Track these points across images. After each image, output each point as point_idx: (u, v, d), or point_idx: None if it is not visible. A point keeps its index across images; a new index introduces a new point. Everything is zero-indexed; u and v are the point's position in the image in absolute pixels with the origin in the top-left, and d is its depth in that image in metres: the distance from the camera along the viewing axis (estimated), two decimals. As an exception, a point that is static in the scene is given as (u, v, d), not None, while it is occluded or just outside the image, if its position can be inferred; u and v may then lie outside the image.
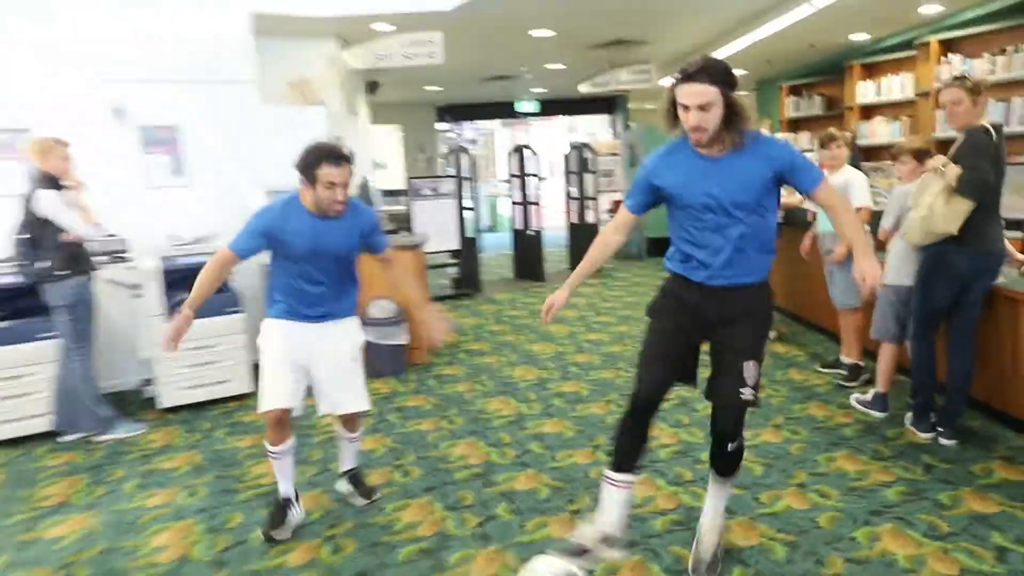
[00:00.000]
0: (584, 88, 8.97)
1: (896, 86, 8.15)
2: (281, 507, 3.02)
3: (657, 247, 10.40)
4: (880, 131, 8.42)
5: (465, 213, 8.24)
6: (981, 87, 3.32)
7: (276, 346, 2.93)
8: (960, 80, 3.34)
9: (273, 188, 4.42)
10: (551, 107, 13.48)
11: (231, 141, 5.27)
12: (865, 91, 8.67)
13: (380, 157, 11.65)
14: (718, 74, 2.23)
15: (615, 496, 2.44)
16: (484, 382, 4.94)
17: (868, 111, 8.71)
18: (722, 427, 2.43)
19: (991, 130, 3.27)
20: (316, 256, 2.85)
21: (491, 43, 7.73)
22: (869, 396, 3.98)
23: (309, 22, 5.71)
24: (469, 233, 8.34)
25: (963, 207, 3.22)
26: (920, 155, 3.74)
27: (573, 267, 9.98)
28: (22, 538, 3.07)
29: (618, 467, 2.44)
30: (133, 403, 4.71)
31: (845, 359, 4.57)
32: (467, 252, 8.37)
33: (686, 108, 2.24)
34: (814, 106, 10.00)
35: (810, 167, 2.36)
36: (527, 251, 9.31)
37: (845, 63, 8.91)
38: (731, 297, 2.40)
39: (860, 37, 8.18)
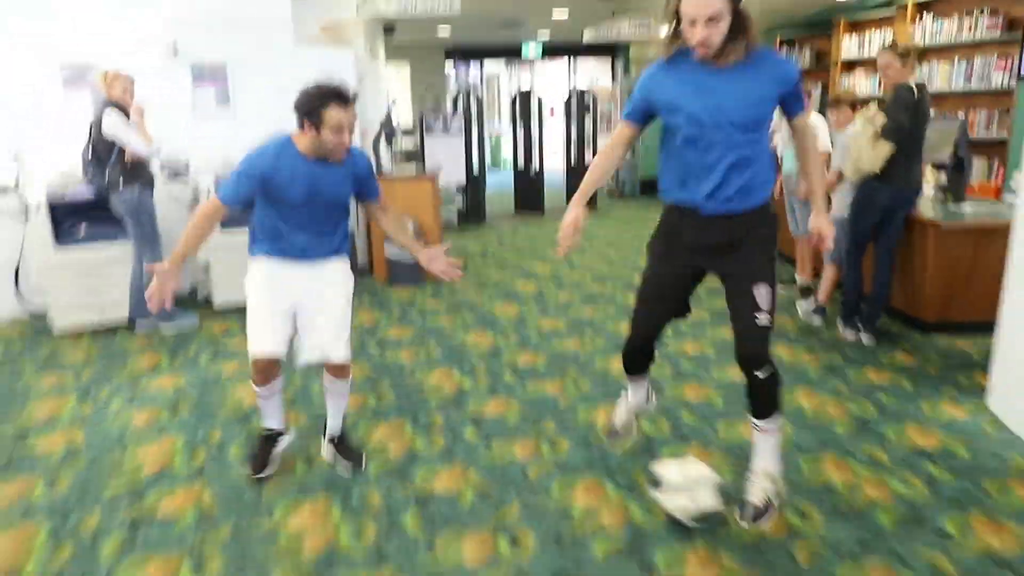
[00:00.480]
0: (588, 36, 9.56)
1: (877, 43, 8.77)
2: (266, 442, 2.97)
3: (651, 188, 11.16)
4: (861, 84, 9.06)
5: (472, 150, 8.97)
6: (910, 51, 4.04)
7: (262, 289, 2.78)
8: (891, 47, 4.06)
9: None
10: (555, 51, 14.00)
11: (271, 77, 5.93)
12: (849, 46, 9.29)
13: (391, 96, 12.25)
14: None
15: (635, 384, 2.82)
16: (491, 291, 5.76)
17: (851, 65, 9.34)
18: (745, 352, 2.34)
19: (914, 88, 4.00)
20: (310, 204, 2.68)
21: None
22: (812, 306, 4.80)
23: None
24: (475, 169, 9.07)
25: (884, 150, 3.97)
26: (854, 105, 4.47)
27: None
28: (132, 388, 3.91)
29: (630, 373, 2.79)
30: (187, 302, 5.51)
31: (799, 278, 5.38)
32: (473, 186, 9.11)
33: (692, 22, 2.12)
34: (804, 59, 10.60)
35: (801, 93, 2.35)
36: (528, 187, 10.05)
37: (833, 19, 9.51)
38: (729, 225, 2.33)
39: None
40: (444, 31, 11.62)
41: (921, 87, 4.02)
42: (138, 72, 4.85)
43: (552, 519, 2.60)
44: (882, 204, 4.10)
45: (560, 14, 10.08)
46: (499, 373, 4.02)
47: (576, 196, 2.50)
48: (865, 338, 4.31)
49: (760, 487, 2.40)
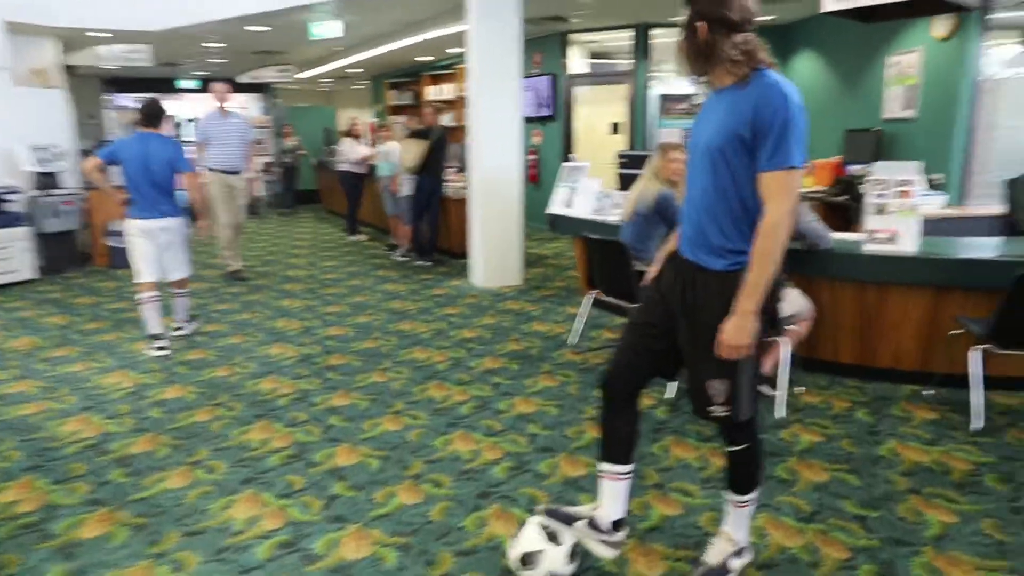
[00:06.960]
0: (243, 79, 12.29)
1: (447, 91, 12.99)
2: (157, 338, 4.88)
3: (305, 198, 14.14)
4: (442, 119, 13.19)
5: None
6: (435, 106, 7.79)
7: (139, 239, 4.71)
8: (427, 104, 7.78)
9: (32, 142, 7.47)
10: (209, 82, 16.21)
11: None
12: (431, 92, 13.41)
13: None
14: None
15: (602, 486, 2.31)
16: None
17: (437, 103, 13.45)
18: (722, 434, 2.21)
19: (442, 129, 7.74)
20: (145, 169, 4.62)
21: (176, 48, 10.68)
22: (400, 253, 8.39)
23: (45, 29, 8.33)
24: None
25: (421, 152, 7.61)
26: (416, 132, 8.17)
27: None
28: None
29: (600, 456, 2.30)
30: None
31: (395, 242, 8.92)
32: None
33: None
34: (406, 98, 14.58)
35: (778, 149, 1.86)
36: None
37: (421, 73, 13.58)
38: (695, 282, 2.05)
39: (426, 58, 12.81)
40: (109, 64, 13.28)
41: (442, 127, 7.81)
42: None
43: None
44: (425, 188, 7.79)
45: (220, 61, 12.64)
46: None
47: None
48: (429, 263, 8.00)
49: (719, 548, 2.33)
